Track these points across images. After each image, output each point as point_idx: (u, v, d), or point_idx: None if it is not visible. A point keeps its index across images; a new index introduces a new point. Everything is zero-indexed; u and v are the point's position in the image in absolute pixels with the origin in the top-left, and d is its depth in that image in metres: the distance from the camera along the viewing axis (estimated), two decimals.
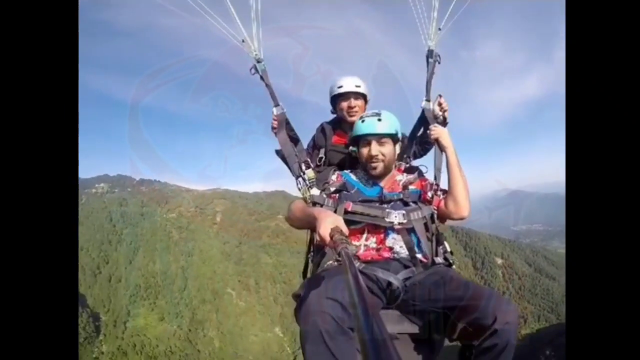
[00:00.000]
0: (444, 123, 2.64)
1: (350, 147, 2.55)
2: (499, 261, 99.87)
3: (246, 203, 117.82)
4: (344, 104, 2.84)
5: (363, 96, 2.85)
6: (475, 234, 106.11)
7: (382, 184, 2.32)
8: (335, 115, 3.05)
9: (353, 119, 2.78)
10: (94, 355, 63.32)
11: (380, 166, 2.24)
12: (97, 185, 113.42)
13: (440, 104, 2.62)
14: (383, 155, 2.23)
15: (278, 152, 2.74)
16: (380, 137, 2.22)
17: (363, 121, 2.27)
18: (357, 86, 2.82)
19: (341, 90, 2.83)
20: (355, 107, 2.82)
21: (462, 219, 2.24)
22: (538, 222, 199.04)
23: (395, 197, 2.22)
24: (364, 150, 2.27)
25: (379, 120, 2.23)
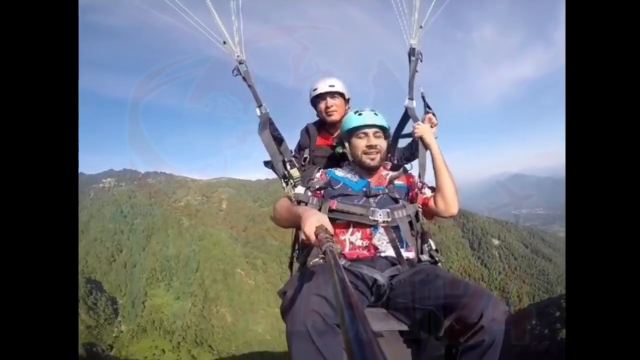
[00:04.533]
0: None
1: (337, 148, 2.60)
2: (496, 242, 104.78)
3: (250, 190, 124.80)
4: (322, 105, 2.90)
5: (340, 94, 2.87)
6: (472, 216, 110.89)
7: (368, 178, 2.33)
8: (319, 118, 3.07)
9: (332, 118, 2.89)
10: (114, 334, 70.62)
11: (377, 158, 2.27)
12: (104, 180, 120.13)
13: (430, 120, 2.67)
14: (380, 146, 2.27)
15: (267, 164, 2.74)
16: (377, 130, 2.27)
17: (360, 114, 2.30)
18: (330, 86, 2.85)
19: (316, 92, 2.90)
20: (332, 106, 2.86)
21: (451, 216, 2.29)
22: (539, 206, 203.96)
23: (381, 192, 2.23)
24: (361, 142, 2.27)
25: (376, 114, 2.29)
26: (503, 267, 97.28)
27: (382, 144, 2.31)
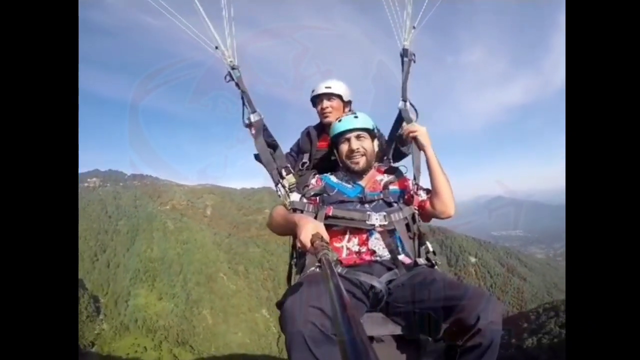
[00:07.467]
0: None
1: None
2: (473, 260, 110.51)
3: (234, 198, 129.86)
4: (318, 107, 2.95)
5: (337, 96, 2.90)
6: (451, 233, 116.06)
7: (362, 183, 2.36)
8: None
9: (327, 119, 2.91)
10: (95, 332, 73.70)
11: (362, 161, 2.31)
12: (89, 180, 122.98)
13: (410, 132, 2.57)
14: (364, 149, 2.31)
15: (257, 157, 2.63)
16: (358, 133, 2.31)
17: (340, 120, 2.36)
18: (327, 87, 2.89)
19: (313, 94, 2.96)
20: (327, 107, 2.90)
21: (449, 217, 2.29)
22: (518, 228, 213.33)
23: (377, 197, 2.27)
24: (344, 147, 2.34)
25: (355, 117, 2.33)
26: (479, 284, 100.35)
27: (366, 145, 2.35)
